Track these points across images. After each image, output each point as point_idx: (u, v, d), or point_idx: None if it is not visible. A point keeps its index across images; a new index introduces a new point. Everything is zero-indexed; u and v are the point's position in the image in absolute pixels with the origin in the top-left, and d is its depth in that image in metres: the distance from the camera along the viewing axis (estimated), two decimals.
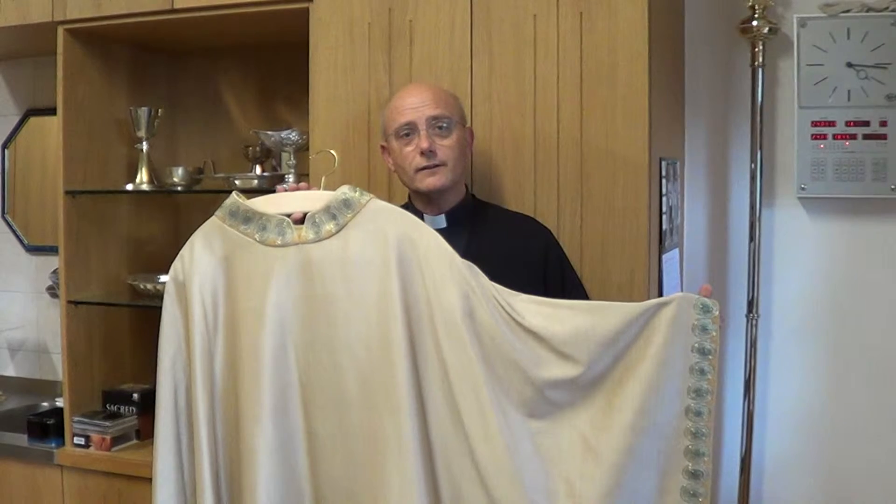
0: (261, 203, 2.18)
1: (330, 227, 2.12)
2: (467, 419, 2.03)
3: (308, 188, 2.28)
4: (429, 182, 2.43)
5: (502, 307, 2.07)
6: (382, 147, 2.57)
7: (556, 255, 2.52)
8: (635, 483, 2.04)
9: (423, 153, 2.41)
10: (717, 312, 2.05)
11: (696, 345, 2.04)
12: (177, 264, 2.21)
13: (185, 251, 2.21)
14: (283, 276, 2.11)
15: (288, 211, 2.15)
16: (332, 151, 2.41)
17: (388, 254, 2.09)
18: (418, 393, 2.06)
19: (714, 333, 2.05)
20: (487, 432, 2.02)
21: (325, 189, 2.20)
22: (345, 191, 2.15)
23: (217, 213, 2.20)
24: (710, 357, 2.04)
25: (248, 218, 2.16)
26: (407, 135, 2.44)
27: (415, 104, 2.44)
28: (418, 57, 2.78)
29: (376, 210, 2.14)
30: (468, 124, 2.59)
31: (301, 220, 2.14)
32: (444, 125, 2.44)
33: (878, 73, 2.91)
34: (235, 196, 2.19)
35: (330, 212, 2.13)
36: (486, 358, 2.05)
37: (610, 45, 2.59)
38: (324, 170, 2.35)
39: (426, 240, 2.11)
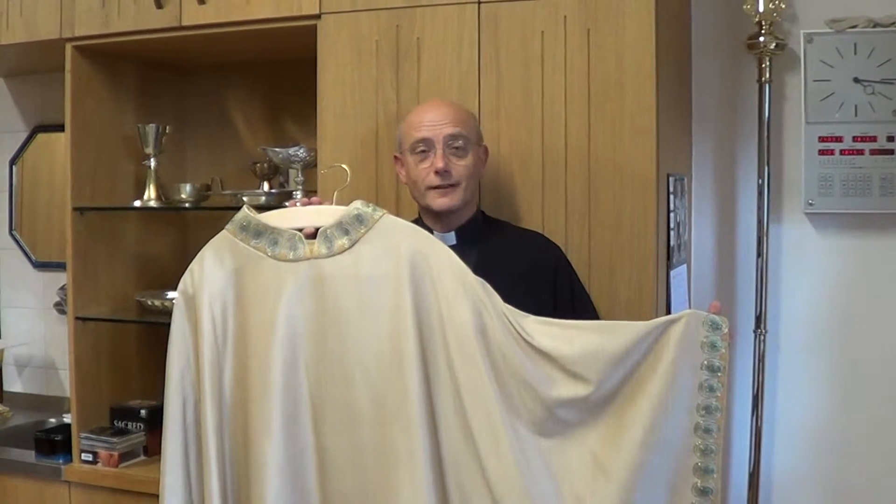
0: (272, 217, 2.18)
1: (342, 242, 2.13)
2: (478, 435, 2.03)
3: (320, 203, 2.28)
4: (440, 203, 2.43)
5: (513, 327, 2.07)
6: (396, 158, 2.56)
7: (565, 271, 2.51)
8: (645, 500, 2.04)
9: (437, 172, 2.40)
10: (727, 329, 2.05)
11: (706, 362, 2.04)
12: (186, 278, 2.20)
13: (194, 265, 2.20)
14: (295, 290, 2.11)
15: (300, 225, 2.15)
16: (344, 166, 2.41)
17: (400, 269, 2.09)
18: (430, 408, 2.06)
19: (723, 350, 2.04)
20: (498, 449, 2.02)
21: (337, 204, 2.20)
22: (357, 206, 2.15)
23: (228, 226, 2.19)
24: (720, 374, 2.04)
25: (259, 232, 2.16)
26: (423, 151, 2.43)
27: (433, 121, 2.43)
28: (426, 73, 2.78)
29: (389, 226, 2.14)
30: (483, 142, 2.58)
31: (313, 235, 2.15)
32: (461, 144, 2.43)
33: (885, 89, 2.92)
34: (246, 210, 2.19)
35: (342, 227, 2.13)
36: (498, 375, 2.05)
37: (617, 61, 2.59)
38: (333, 186, 2.35)
39: (439, 256, 2.11)
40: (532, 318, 2.10)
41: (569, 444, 2.07)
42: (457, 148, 2.43)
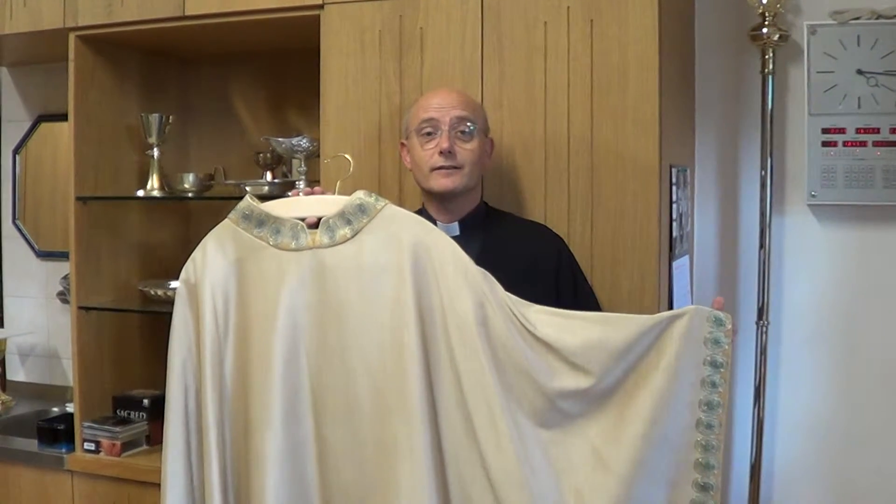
0: (275, 206, 2.18)
1: (345, 231, 2.12)
2: (479, 427, 2.03)
3: (323, 192, 2.27)
4: (442, 183, 2.43)
5: (515, 317, 2.06)
6: (402, 144, 2.56)
7: (568, 264, 2.51)
8: (645, 495, 2.03)
9: (441, 153, 2.40)
10: (730, 326, 2.04)
11: (708, 357, 2.03)
12: (188, 266, 2.20)
13: (197, 253, 2.20)
14: (297, 280, 2.11)
15: (302, 215, 2.15)
16: (347, 155, 2.41)
17: (402, 260, 2.09)
18: (431, 399, 2.05)
19: (726, 347, 2.03)
20: (498, 440, 2.01)
21: (339, 194, 2.20)
22: (360, 196, 2.15)
23: (230, 215, 2.19)
24: (722, 370, 2.03)
25: (261, 221, 2.16)
26: (429, 133, 2.44)
27: (442, 104, 2.45)
28: (429, 64, 2.78)
29: (392, 216, 2.14)
30: (489, 134, 2.58)
31: (315, 225, 2.14)
32: (468, 129, 2.44)
33: (888, 81, 2.92)
34: (249, 199, 2.18)
35: (345, 216, 2.13)
36: (499, 366, 2.05)
37: (620, 52, 2.59)
38: (335, 175, 2.35)
39: (441, 247, 2.11)
40: (535, 307, 2.09)
41: (569, 437, 2.07)
42: (463, 132, 2.44)
